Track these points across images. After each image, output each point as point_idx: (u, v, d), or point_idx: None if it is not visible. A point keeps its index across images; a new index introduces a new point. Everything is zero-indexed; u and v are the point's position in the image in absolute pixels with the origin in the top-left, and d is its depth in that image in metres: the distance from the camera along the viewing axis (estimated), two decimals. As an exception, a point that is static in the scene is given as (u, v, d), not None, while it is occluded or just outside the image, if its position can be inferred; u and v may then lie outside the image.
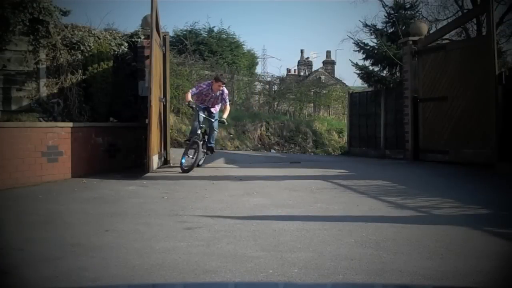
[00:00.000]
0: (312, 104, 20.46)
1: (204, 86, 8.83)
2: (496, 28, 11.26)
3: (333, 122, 19.25)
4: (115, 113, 9.01)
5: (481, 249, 3.91)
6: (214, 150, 9.32)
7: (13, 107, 8.07)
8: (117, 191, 6.62)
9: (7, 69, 8.00)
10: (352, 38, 18.56)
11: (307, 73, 28.96)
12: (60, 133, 7.56)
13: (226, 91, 8.97)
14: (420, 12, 17.05)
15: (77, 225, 4.74)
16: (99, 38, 8.99)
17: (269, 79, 20.83)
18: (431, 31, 13.29)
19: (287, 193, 6.61)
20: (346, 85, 24.73)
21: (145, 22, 9.26)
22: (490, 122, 8.71)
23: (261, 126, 16.37)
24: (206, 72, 16.47)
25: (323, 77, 27.82)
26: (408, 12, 15.59)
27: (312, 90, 20.70)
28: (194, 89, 8.95)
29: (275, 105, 19.13)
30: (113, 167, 8.30)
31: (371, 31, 15.88)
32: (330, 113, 21.09)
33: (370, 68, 15.51)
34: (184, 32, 20.21)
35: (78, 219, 4.97)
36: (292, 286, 2.55)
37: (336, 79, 28.17)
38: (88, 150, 8.03)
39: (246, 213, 5.22)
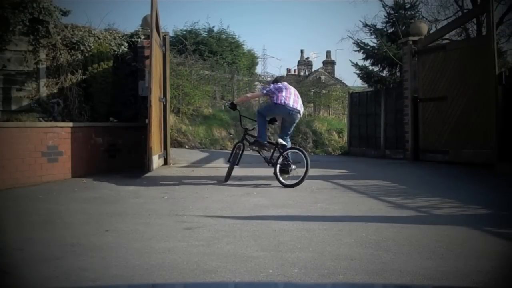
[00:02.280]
0: (312, 104, 20.45)
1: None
2: (496, 28, 11.27)
3: (333, 122, 19.24)
4: (115, 113, 9.01)
5: (481, 249, 3.91)
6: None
7: (13, 107, 8.07)
8: (117, 191, 6.62)
9: (7, 69, 8.01)
10: (352, 38, 18.63)
11: (307, 73, 28.98)
12: (60, 133, 7.56)
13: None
14: (420, 12, 17.12)
15: (77, 225, 4.74)
16: (99, 38, 8.99)
17: (269, 79, 20.78)
18: (431, 31, 13.29)
19: (287, 193, 6.61)
20: (346, 85, 24.73)
21: (145, 22, 9.26)
22: (490, 122, 8.71)
23: (261, 126, 16.32)
24: (206, 72, 16.46)
25: (323, 77, 27.82)
26: (408, 12, 15.63)
27: (312, 90, 20.68)
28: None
29: (275, 105, 19.09)
30: (113, 167, 8.30)
31: (371, 31, 15.94)
32: (330, 113, 21.08)
33: (370, 68, 15.55)
34: (184, 32, 20.19)
35: (78, 219, 4.97)
36: (292, 286, 2.55)
37: (336, 79, 28.19)
38: (88, 150, 8.03)
39: (246, 213, 5.22)
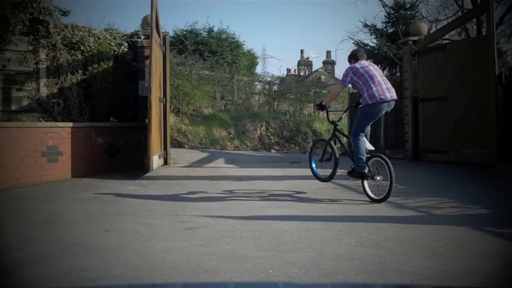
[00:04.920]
0: (312, 104, 20.46)
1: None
2: (496, 28, 11.26)
3: (333, 122, 19.22)
4: (115, 113, 9.02)
5: (481, 249, 3.91)
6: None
7: (13, 107, 8.07)
8: (117, 191, 6.62)
9: (7, 69, 8.01)
10: (352, 39, 18.63)
11: (307, 73, 28.98)
12: (60, 133, 7.57)
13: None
14: (420, 12, 17.12)
15: (77, 225, 4.74)
16: (99, 38, 8.99)
17: (269, 79, 20.83)
18: (431, 31, 13.29)
19: (287, 193, 6.61)
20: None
21: (145, 22, 9.26)
22: (490, 122, 8.70)
23: (261, 126, 16.37)
24: (206, 72, 16.48)
25: (323, 77, 27.82)
26: (408, 12, 15.65)
27: (312, 90, 20.68)
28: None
29: (275, 105, 19.12)
30: (113, 167, 8.30)
31: (371, 31, 15.95)
32: (330, 113, 21.07)
33: (370, 68, 15.55)
34: (184, 32, 20.21)
35: (78, 219, 4.97)
36: (292, 286, 2.55)
37: (336, 79, 28.17)
38: (88, 150, 8.03)
39: (246, 213, 5.22)
